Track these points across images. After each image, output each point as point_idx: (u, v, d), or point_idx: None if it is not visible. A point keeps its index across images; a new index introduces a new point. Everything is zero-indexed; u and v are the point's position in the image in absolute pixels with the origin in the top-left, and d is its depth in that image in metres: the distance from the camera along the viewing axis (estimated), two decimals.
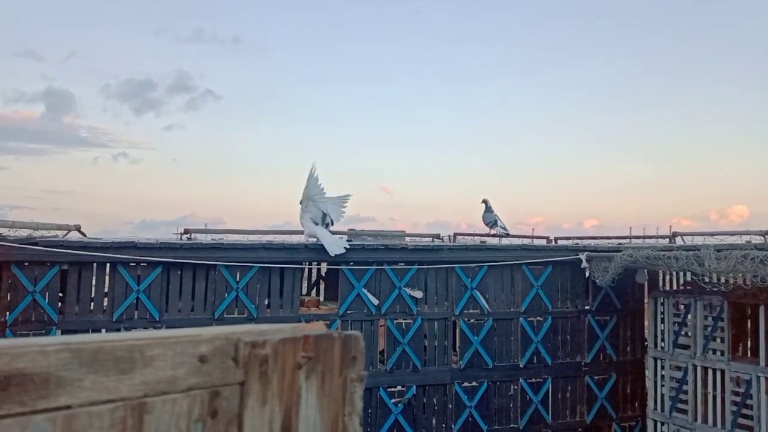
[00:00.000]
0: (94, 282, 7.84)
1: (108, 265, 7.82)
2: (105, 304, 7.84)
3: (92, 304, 7.84)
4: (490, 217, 10.02)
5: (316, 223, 8.54)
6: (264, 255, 8.37)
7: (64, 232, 8.53)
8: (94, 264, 7.85)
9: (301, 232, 9.79)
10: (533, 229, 11.34)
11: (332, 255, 8.45)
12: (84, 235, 8.69)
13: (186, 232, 9.30)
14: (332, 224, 8.86)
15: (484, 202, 10.09)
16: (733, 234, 8.90)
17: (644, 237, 10.43)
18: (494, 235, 10.59)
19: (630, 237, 10.44)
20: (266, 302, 8.55)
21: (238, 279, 8.33)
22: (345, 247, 8.56)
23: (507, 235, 10.48)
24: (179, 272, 8.15)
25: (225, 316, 8.23)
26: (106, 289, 7.86)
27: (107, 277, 7.83)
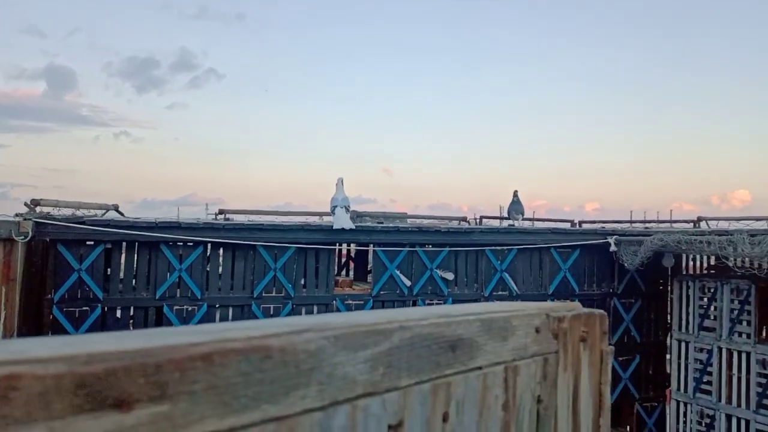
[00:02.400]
0: (137, 260, 7.97)
1: (150, 243, 7.96)
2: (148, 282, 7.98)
3: (135, 281, 7.99)
4: (511, 208, 10.19)
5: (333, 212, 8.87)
6: (302, 236, 8.51)
7: (103, 211, 8.66)
8: (136, 243, 7.98)
9: (328, 213, 10.05)
10: (533, 212, 11.45)
11: (336, 227, 8.62)
12: (122, 214, 8.82)
13: (221, 212, 9.43)
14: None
15: (514, 193, 10.22)
16: (759, 219, 9.06)
17: (671, 221, 10.60)
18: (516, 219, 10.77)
19: (657, 221, 10.61)
20: (302, 282, 8.71)
21: (275, 259, 8.48)
22: (352, 227, 8.72)
23: (530, 219, 10.68)
24: (219, 252, 8.31)
25: (263, 295, 8.39)
26: (149, 268, 8.00)
27: (150, 256, 7.97)
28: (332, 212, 9.08)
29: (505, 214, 11.12)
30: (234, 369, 0.54)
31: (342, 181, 9.20)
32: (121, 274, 7.94)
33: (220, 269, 8.33)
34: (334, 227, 8.65)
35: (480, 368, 0.90)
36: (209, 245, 8.22)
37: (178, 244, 8.12)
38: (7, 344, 0.44)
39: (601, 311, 1.30)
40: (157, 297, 7.94)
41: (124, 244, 7.88)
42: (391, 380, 0.72)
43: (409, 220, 10.99)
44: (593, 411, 1.23)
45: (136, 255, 7.98)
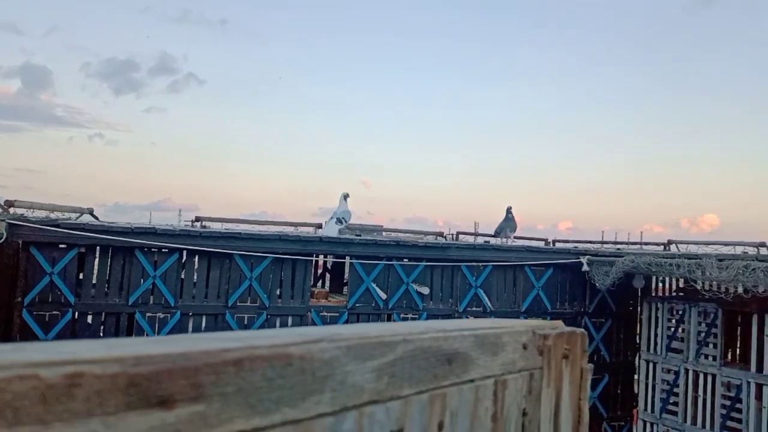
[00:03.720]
0: (110, 265, 7.88)
1: (125, 249, 7.88)
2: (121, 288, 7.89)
3: (108, 287, 7.89)
4: (504, 225, 10.30)
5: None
6: (279, 246, 8.50)
7: (77, 214, 8.56)
8: (110, 248, 7.89)
9: (305, 224, 10.16)
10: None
11: (325, 234, 9.02)
12: (96, 218, 8.73)
13: (198, 220, 9.40)
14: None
15: (508, 210, 10.33)
16: (727, 244, 9.30)
17: (641, 243, 10.82)
18: (493, 235, 10.93)
19: (628, 243, 10.82)
20: (278, 292, 8.69)
21: (252, 268, 8.45)
22: (338, 235, 9.06)
23: (507, 237, 10.81)
24: (195, 259, 8.25)
25: (238, 304, 8.35)
26: (122, 273, 7.91)
27: (124, 261, 7.89)
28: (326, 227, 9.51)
29: (482, 231, 11.26)
30: (260, 374, 0.59)
31: (345, 197, 9.64)
32: (94, 279, 7.84)
33: (195, 277, 8.27)
34: (324, 234, 8.92)
35: (473, 381, 0.95)
36: (185, 252, 8.17)
37: (153, 250, 8.05)
38: (63, 345, 0.48)
39: (582, 330, 1.36)
40: (129, 303, 7.85)
41: (98, 248, 7.79)
42: (395, 389, 0.76)
43: (384, 233, 11.09)
44: (572, 426, 1.29)
45: (109, 260, 7.89)
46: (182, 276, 8.20)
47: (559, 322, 1.35)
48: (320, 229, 9.89)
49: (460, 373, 0.91)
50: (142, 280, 7.93)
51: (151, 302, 7.97)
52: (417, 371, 0.81)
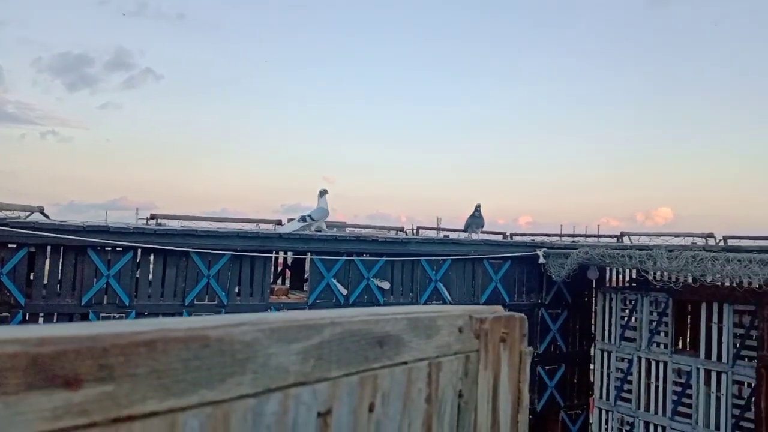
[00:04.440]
0: (62, 265, 7.67)
1: (77, 248, 7.68)
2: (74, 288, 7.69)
3: (60, 287, 7.68)
4: (470, 221, 10.43)
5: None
6: (237, 243, 8.41)
7: (27, 213, 8.30)
8: (62, 247, 7.68)
9: (265, 221, 10.13)
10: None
11: (284, 232, 9.05)
12: (47, 217, 8.48)
13: (153, 217, 9.22)
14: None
15: (476, 207, 10.44)
16: (677, 235, 9.61)
17: (597, 236, 11.07)
18: (455, 230, 11.05)
19: (585, 235, 11.06)
20: (236, 290, 8.60)
21: (209, 266, 8.34)
22: (296, 231, 9.07)
23: (465, 230, 10.94)
24: (150, 258, 8.10)
25: (195, 302, 8.23)
26: (74, 273, 7.71)
27: (76, 261, 7.69)
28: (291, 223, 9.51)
29: (448, 225, 11.33)
30: (174, 355, 0.59)
31: (322, 193, 9.57)
32: (45, 279, 7.61)
33: (151, 276, 8.12)
34: (284, 231, 8.91)
35: (405, 363, 0.96)
36: (139, 251, 8.01)
37: (107, 249, 7.86)
38: None
39: (521, 314, 1.40)
40: (82, 303, 7.65)
41: (48, 248, 7.57)
42: (322, 371, 0.77)
43: (347, 230, 11.10)
44: (512, 407, 1.32)
45: (61, 260, 7.68)
46: (137, 275, 8.04)
47: (498, 307, 1.38)
48: (279, 226, 9.84)
49: (392, 355, 0.92)
50: (95, 280, 7.74)
51: (105, 302, 7.79)
52: (346, 353, 0.82)
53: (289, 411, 0.72)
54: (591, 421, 10.35)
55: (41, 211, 8.47)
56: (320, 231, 9.47)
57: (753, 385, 7.85)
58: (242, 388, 0.66)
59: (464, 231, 10.68)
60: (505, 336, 1.28)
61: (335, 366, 0.80)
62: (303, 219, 9.02)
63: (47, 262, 7.58)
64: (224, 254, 8.36)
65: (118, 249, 7.87)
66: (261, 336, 0.69)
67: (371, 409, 0.87)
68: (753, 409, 7.78)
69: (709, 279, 7.40)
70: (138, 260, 8.06)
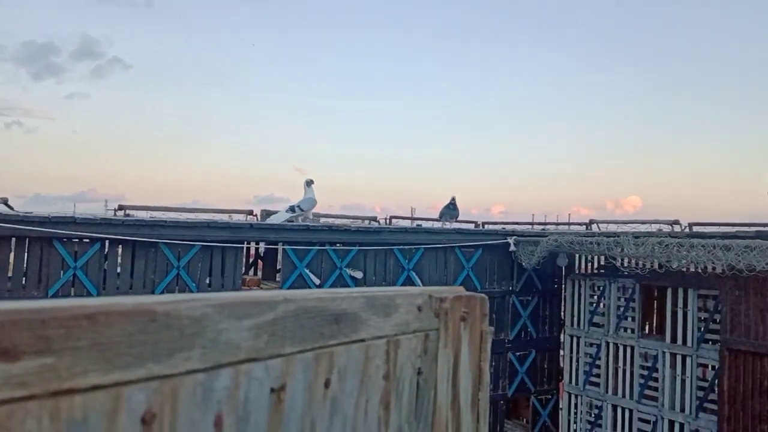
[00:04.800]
0: (27, 257, 7.51)
1: (42, 239, 7.53)
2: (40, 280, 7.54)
3: (25, 280, 7.52)
4: (444, 212, 10.49)
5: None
6: (207, 233, 8.33)
7: None
8: (27, 239, 7.52)
9: (237, 211, 10.05)
10: None
11: (274, 222, 9.05)
12: (11, 208, 8.28)
13: (121, 208, 9.07)
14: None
15: (452, 199, 10.48)
16: (644, 222, 9.79)
17: (568, 224, 11.23)
18: (426, 219, 11.11)
19: (556, 224, 11.20)
20: (207, 281, 8.52)
21: (179, 257, 8.25)
22: (285, 221, 9.07)
23: (438, 220, 11.01)
24: (118, 249, 7.98)
25: (165, 294, 8.13)
26: (40, 265, 7.56)
27: (42, 253, 7.53)
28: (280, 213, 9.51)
29: (417, 215, 11.40)
30: (118, 329, 0.58)
31: (308, 183, 9.56)
32: (10, 272, 7.44)
33: (119, 268, 8.00)
34: (273, 221, 9.00)
35: (363, 340, 0.97)
36: (107, 242, 7.88)
37: (74, 240, 7.72)
38: None
39: (482, 295, 1.42)
40: (49, 296, 7.51)
41: (13, 240, 7.40)
42: (275, 348, 0.78)
43: (321, 220, 11.05)
44: (473, 385, 1.34)
45: (26, 252, 7.51)
46: (105, 267, 7.91)
47: (461, 288, 1.40)
48: (250, 216, 9.77)
49: (348, 332, 0.93)
50: (62, 272, 7.60)
51: (73, 294, 7.66)
52: (301, 330, 0.82)
53: (240, 386, 0.72)
54: (561, 405, 10.54)
55: (5, 202, 8.27)
56: (308, 220, 9.44)
57: (716, 367, 8.07)
58: (191, 362, 0.66)
59: (437, 220, 10.74)
60: (466, 315, 1.30)
61: (289, 342, 0.80)
62: (292, 209, 9.03)
63: (11, 254, 7.42)
64: (194, 245, 8.27)
65: (85, 240, 7.73)
66: (211, 311, 0.68)
67: (327, 385, 0.87)
68: (716, 391, 8.00)
69: (674, 265, 7.56)
70: (106, 252, 7.93)
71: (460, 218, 11.36)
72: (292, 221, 9.13)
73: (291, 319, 0.81)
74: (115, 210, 8.93)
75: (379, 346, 1.00)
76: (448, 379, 1.22)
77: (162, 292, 8.11)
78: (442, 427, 1.22)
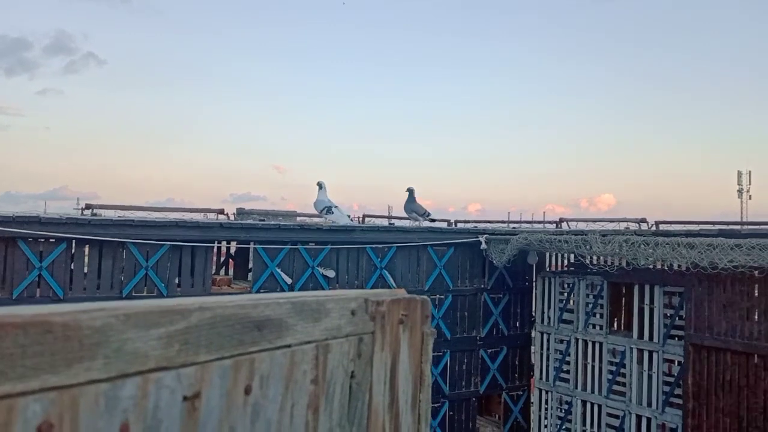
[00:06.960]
0: None
1: (6, 239, 7.39)
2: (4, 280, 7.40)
3: None
4: (406, 207, 10.52)
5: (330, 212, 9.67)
6: (176, 233, 8.25)
7: None
8: None
9: (208, 210, 10.00)
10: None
11: (343, 223, 9.54)
12: None
13: (88, 207, 8.95)
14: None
15: (409, 191, 10.49)
16: (612, 221, 9.96)
17: (543, 222, 11.35)
18: (401, 218, 11.14)
19: (531, 222, 11.31)
20: (176, 281, 8.45)
21: (147, 257, 8.16)
22: (350, 220, 9.70)
23: (416, 219, 11.05)
24: (85, 249, 7.86)
25: (133, 294, 8.04)
26: (4, 266, 7.42)
27: (6, 253, 7.39)
28: (322, 214, 9.84)
29: (394, 213, 11.43)
30: (11, 341, 0.58)
31: (320, 185, 9.88)
32: None
33: (86, 268, 7.89)
34: (340, 225, 9.41)
35: (289, 346, 0.98)
36: (74, 242, 7.77)
37: (40, 240, 7.59)
38: None
39: (424, 297, 1.43)
40: (13, 297, 7.37)
41: None
42: (188, 356, 0.78)
43: (298, 219, 11.03)
44: (413, 386, 1.35)
45: None
46: (72, 267, 7.79)
47: (402, 290, 1.41)
48: (221, 215, 9.70)
49: (272, 339, 0.94)
50: (27, 273, 7.47)
51: (38, 295, 7.54)
52: (217, 338, 0.83)
53: (149, 395, 0.72)
54: (532, 401, 10.66)
55: None
56: (263, 220, 9.40)
57: (681, 362, 8.24)
58: (92, 373, 0.66)
59: (392, 217, 10.83)
60: (404, 318, 1.31)
61: (204, 350, 0.81)
62: (329, 210, 9.32)
63: None
64: (163, 244, 8.19)
65: (51, 240, 7.60)
66: (114, 321, 0.69)
67: (248, 391, 0.88)
68: (682, 386, 8.17)
69: (641, 262, 7.70)
70: (72, 252, 7.82)
71: (434, 217, 11.41)
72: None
73: (207, 327, 0.81)
74: (82, 209, 8.81)
75: (306, 351, 1.01)
76: (384, 381, 1.24)
77: (130, 293, 8.02)
78: (378, 428, 1.23)
